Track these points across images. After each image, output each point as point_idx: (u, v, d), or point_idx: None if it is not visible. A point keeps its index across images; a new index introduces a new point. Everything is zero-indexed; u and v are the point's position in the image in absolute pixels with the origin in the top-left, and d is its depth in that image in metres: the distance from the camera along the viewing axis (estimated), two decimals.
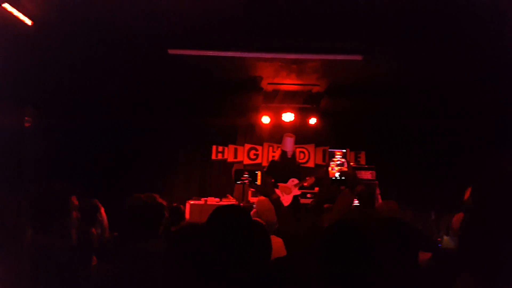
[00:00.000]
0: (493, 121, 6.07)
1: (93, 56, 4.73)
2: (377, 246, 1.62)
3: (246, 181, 2.31)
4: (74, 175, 5.77)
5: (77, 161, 6.15)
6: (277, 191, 5.68)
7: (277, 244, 2.41)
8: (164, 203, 2.19)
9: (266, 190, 2.28)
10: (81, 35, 4.13)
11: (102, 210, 2.85)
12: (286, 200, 5.61)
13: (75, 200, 2.31)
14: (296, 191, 5.70)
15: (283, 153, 5.76)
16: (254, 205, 3.77)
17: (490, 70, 4.76)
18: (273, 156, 6.15)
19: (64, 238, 1.98)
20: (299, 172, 5.96)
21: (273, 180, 5.71)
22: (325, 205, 2.39)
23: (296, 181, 5.71)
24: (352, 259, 1.53)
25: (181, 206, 2.95)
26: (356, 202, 2.52)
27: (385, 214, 2.37)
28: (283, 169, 5.72)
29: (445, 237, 2.86)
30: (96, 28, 4.01)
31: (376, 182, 5.93)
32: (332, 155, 2.09)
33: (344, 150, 2.03)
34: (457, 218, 2.65)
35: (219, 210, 1.69)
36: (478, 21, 3.63)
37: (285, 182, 5.72)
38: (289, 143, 5.79)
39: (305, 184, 5.74)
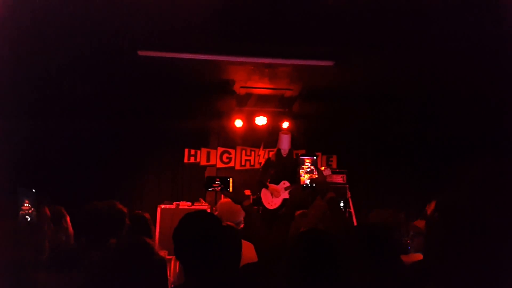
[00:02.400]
0: (462, 125, 6.28)
1: (60, 55, 4.58)
2: (349, 253, 1.62)
3: (217, 188, 2.27)
4: (37, 180, 5.56)
5: (41, 165, 5.94)
6: (267, 192, 5.49)
7: (248, 249, 2.38)
8: (125, 210, 2.12)
9: (238, 196, 2.25)
10: (47, 33, 3.99)
11: (68, 218, 2.75)
12: (275, 203, 5.45)
13: (47, 211, 2.22)
14: (286, 195, 5.46)
15: (278, 151, 5.62)
16: (216, 210, 3.69)
17: (462, 76, 4.91)
18: (269, 158, 5.87)
19: (37, 252, 1.88)
20: (294, 173, 5.68)
21: (268, 180, 5.56)
22: (297, 212, 2.38)
23: (287, 183, 5.50)
24: (323, 267, 1.52)
25: (146, 214, 2.87)
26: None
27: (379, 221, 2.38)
28: (277, 169, 5.55)
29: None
30: (63, 26, 3.88)
31: (347, 186, 6.01)
32: (302, 162, 2.10)
33: (315, 157, 2.04)
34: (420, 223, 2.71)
35: (189, 216, 1.65)
36: (448, 28, 3.73)
37: (277, 183, 5.53)
38: (283, 140, 5.60)
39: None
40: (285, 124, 6.54)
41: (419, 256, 2.68)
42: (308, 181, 2.18)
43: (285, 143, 5.61)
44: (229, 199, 2.42)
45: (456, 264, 1.07)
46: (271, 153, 6.96)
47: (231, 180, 2.30)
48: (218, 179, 2.33)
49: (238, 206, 2.29)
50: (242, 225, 2.96)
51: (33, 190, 2.12)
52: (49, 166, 6.07)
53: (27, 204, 2.26)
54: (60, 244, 2.15)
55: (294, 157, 5.72)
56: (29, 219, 2.12)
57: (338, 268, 1.52)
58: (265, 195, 5.55)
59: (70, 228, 2.40)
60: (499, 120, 5.19)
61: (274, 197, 5.47)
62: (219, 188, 2.27)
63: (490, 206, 1.10)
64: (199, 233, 1.54)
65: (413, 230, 2.77)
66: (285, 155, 5.61)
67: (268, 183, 5.54)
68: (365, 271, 1.68)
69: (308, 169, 2.22)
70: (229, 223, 2.31)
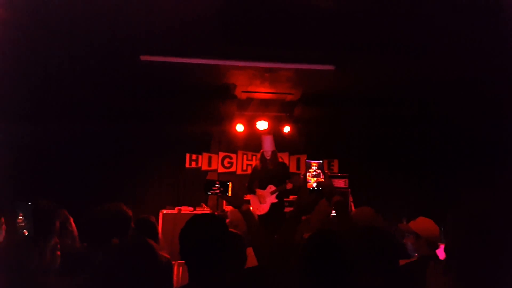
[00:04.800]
0: (463, 128, 6.29)
1: (63, 61, 4.61)
2: (357, 256, 1.62)
3: (217, 190, 2.27)
4: (42, 183, 5.57)
5: (46, 169, 5.94)
6: (255, 198, 5.47)
7: (253, 258, 2.38)
8: (130, 212, 2.12)
9: (237, 201, 2.25)
10: (51, 38, 4.01)
11: (71, 220, 2.75)
12: (263, 208, 5.41)
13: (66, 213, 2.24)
14: (273, 199, 5.44)
15: (262, 154, 5.57)
16: (227, 215, 3.72)
17: (463, 79, 4.93)
18: (255, 165, 5.83)
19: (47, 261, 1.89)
20: (281, 174, 5.56)
21: (256, 188, 5.52)
22: (303, 217, 2.37)
23: (273, 187, 5.44)
24: (333, 270, 1.52)
25: (152, 217, 2.87)
26: (333, 213, 2.53)
27: (361, 221, 2.39)
28: (262, 174, 5.49)
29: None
30: (66, 32, 3.90)
31: (349, 190, 6.00)
32: (309, 166, 2.11)
33: (321, 161, 2.05)
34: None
35: (196, 217, 1.66)
36: (448, 31, 3.75)
37: (264, 188, 5.47)
38: (265, 142, 5.56)
39: (287, 188, 5.39)
40: (286, 129, 6.55)
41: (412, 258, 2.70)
42: (315, 185, 2.18)
43: (267, 145, 5.56)
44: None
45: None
46: (254, 158, 6.95)
47: (230, 185, 2.30)
48: (217, 182, 2.33)
49: None
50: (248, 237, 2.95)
51: (29, 203, 2.12)
52: (51, 170, 6.08)
53: (21, 217, 2.27)
54: (67, 247, 2.15)
55: (280, 159, 5.71)
56: (26, 233, 2.12)
57: (349, 270, 1.52)
58: (253, 201, 5.52)
59: (75, 231, 2.40)
60: (501, 123, 5.20)
61: (261, 203, 5.43)
62: (219, 191, 2.27)
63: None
64: (206, 234, 1.55)
65: (406, 231, 2.78)
66: (268, 158, 5.55)
67: (255, 189, 5.53)
68: (369, 274, 1.68)
69: (315, 173, 2.22)
70: (233, 230, 2.31)
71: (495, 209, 1.12)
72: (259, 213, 5.42)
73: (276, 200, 5.48)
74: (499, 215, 1.09)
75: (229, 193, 2.25)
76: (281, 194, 5.53)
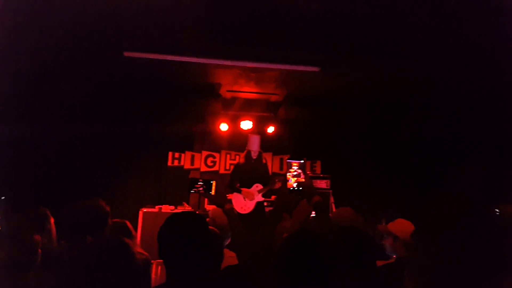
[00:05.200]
0: (447, 131, 6.41)
1: (45, 55, 4.51)
2: (335, 256, 1.63)
3: (200, 189, 2.25)
4: (21, 181, 5.45)
5: (25, 166, 5.81)
6: (239, 196, 5.44)
7: (230, 259, 2.37)
8: (108, 209, 2.09)
9: (220, 200, 2.24)
10: (33, 32, 3.92)
11: (52, 220, 2.70)
12: (248, 207, 5.39)
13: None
14: (259, 198, 5.46)
15: (248, 153, 5.53)
16: (209, 213, 3.70)
17: (448, 82, 5.02)
18: (238, 163, 5.76)
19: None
20: (266, 175, 5.62)
21: (238, 185, 5.48)
22: (284, 215, 2.38)
23: (260, 186, 5.46)
24: (311, 270, 1.52)
25: (126, 221, 2.85)
26: (313, 213, 2.55)
27: (341, 222, 2.40)
28: (248, 172, 5.47)
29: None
30: (48, 26, 3.82)
31: (330, 191, 6.04)
32: (290, 166, 2.11)
33: (302, 161, 2.04)
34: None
35: (176, 216, 1.64)
36: (434, 33, 3.81)
37: (249, 187, 5.48)
38: (253, 141, 5.53)
39: (275, 187, 5.42)
40: (270, 129, 6.56)
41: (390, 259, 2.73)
42: (295, 185, 2.19)
43: (255, 144, 5.54)
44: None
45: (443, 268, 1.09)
46: (237, 157, 6.94)
47: (214, 183, 2.29)
48: (201, 180, 2.32)
49: None
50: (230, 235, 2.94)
51: (2, 198, 2.09)
52: (31, 168, 5.95)
53: None
54: (44, 245, 2.10)
55: (264, 161, 5.73)
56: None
57: (326, 271, 1.53)
58: (236, 199, 5.49)
59: (54, 231, 2.36)
60: (483, 124, 5.33)
61: (247, 199, 5.41)
62: (202, 189, 2.26)
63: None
64: (185, 233, 1.53)
65: (384, 232, 2.80)
66: (255, 157, 5.55)
67: (238, 187, 5.49)
68: (347, 275, 1.69)
69: (295, 173, 2.23)
70: (212, 227, 2.30)
71: (453, 212, 1.14)
72: (243, 212, 5.40)
73: (262, 199, 5.51)
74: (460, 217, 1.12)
75: (213, 192, 2.25)
76: (265, 194, 5.56)
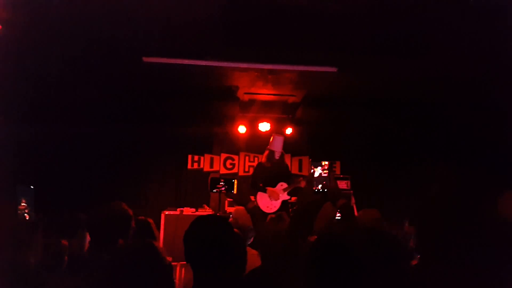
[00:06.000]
0: (465, 130, 6.28)
1: (66, 62, 4.62)
2: (364, 258, 1.61)
3: (222, 188, 2.27)
4: (46, 185, 5.58)
5: (45, 171, 5.95)
6: (265, 195, 5.41)
7: (252, 256, 2.38)
8: (131, 212, 2.12)
9: (242, 199, 2.25)
10: (54, 40, 4.03)
11: (85, 225, 2.72)
12: (274, 206, 5.35)
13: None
14: (285, 196, 5.41)
15: (271, 153, 5.51)
16: (231, 215, 3.71)
17: (465, 81, 4.92)
18: (260, 162, 5.74)
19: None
20: (289, 174, 5.61)
21: (261, 185, 5.44)
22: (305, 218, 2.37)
23: (285, 185, 5.41)
24: (341, 274, 1.51)
25: (149, 219, 2.87)
26: (338, 216, 2.53)
27: (367, 223, 2.37)
28: (271, 171, 5.45)
29: None
30: (69, 34, 3.92)
31: (351, 192, 5.99)
32: (316, 167, 2.11)
33: (326, 162, 2.04)
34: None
35: (201, 219, 1.65)
36: (451, 34, 3.75)
37: (274, 186, 5.44)
38: (277, 142, 5.52)
39: (301, 185, 5.38)
40: (288, 130, 6.55)
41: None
42: (319, 186, 2.18)
43: (279, 145, 5.54)
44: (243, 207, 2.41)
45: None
46: (256, 159, 6.95)
47: (235, 182, 2.30)
48: (222, 180, 2.33)
49: None
50: (254, 235, 2.95)
51: (31, 187, 2.13)
52: (53, 171, 6.09)
53: (24, 204, 2.26)
54: (72, 251, 2.15)
55: (286, 161, 5.72)
56: (27, 218, 2.12)
57: (358, 273, 1.51)
58: (261, 199, 5.44)
59: (87, 236, 2.38)
60: (501, 126, 5.19)
61: (272, 199, 5.40)
62: (224, 188, 2.27)
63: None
64: (211, 236, 1.54)
65: (410, 233, 2.76)
66: (277, 157, 5.53)
67: (265, 188, 5.46)
68: (377, 277, 1.67)
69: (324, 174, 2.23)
70: (237, 231, 2.32)
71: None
72: (269, 211, 5.37)
73: (288, 197, 5.48)
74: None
75: (235, 190, 2.26)
76: (290, 193, 5.53)
